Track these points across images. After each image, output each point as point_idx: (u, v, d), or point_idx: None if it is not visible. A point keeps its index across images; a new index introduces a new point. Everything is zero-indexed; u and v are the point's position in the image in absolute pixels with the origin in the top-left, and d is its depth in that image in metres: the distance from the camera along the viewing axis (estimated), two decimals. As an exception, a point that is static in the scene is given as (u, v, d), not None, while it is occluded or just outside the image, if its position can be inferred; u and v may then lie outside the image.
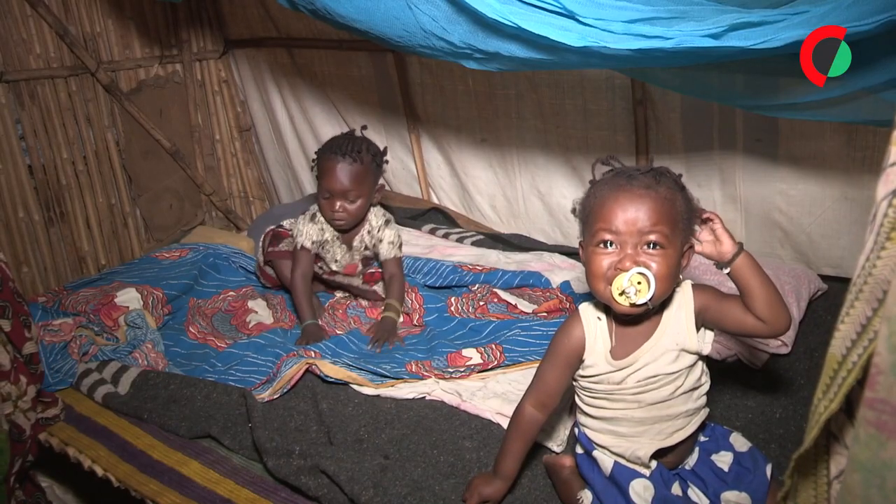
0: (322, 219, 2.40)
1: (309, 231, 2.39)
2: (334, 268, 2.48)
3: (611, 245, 1.31)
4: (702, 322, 1.38)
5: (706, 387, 1.43)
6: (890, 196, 0.67)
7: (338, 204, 2.31)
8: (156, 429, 1.89)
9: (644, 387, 1.37)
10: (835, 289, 2.24)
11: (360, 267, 2.52)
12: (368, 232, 2.45)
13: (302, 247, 2.38)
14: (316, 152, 2.38)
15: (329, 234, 2.42)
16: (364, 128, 2.43)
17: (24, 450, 1.87)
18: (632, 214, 1.29)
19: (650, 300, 1.28)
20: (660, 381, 1.36)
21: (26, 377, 1.89)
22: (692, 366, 1.38)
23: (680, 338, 1.36)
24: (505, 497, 1.52)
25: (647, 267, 1.28)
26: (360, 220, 2.41)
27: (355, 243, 2.45)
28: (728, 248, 1.32)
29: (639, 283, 1.28)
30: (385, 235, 2.42)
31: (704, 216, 1.35)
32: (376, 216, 2.45)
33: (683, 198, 1.34)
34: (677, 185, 1.35)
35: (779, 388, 1.86)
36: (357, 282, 2.53)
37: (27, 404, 1.87)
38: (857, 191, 2.19)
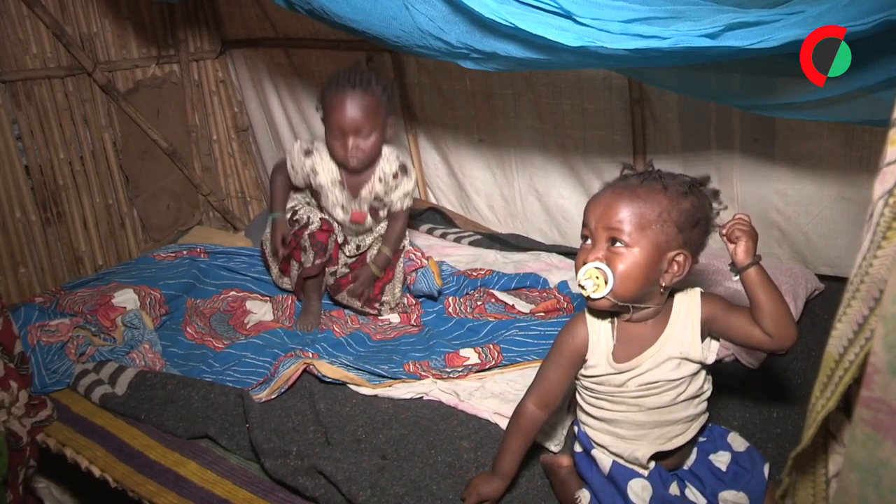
0: (319, 158, 2.23)
1: (295, 158, 2.24)
2: (339, 215, 2.28)
3: (587, 240, 1.36)
4: (709, 331, 1.37)
5: (708, 394, 1.42)
6: (886, 195, 0.67)
7: (351, 142, 2.11)
8: (153, 429, 1.89)
9: (645, 391, 1.36)
10: (832, 288, 2.25)
11: (368, 218, 2.31)
12: (380, 180, 2.26)
13: (288, 166, 2.28)
14: (322, 89, 2.18)
15: (327, 177, 2.24)
16: (370, 59, 2.22)
17: (25, 458, 1.85)
18: (600, 211, 1.33)
19: (609, 296, 1.31)
20: (661, 387, 1.36)
21: (17, 382, 1.87)
22: (695, 374, 1.37)
23: (684, 346, 1.35)
24: (504, 496, 1.52)
25: (610, 263, 1.30)
26: (374, 159, 2.21)
27: (363, 193, 2.25)
28: (741, 257, 1.29)
29: (597, 277, 1.30)
30: (402, 186, 2.25)
31: (726, 229, 1.32)
32: (388, 161, 2.24)
33: (677, 202, 1.32)
34: (667, 187, 1.32)
35: (776, 387, 1.87)
36: (357, 302, 2.39)
37: (20, 410, 1.85)
38: (855, 190, 2.19)
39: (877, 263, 0.69)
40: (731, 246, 1.31)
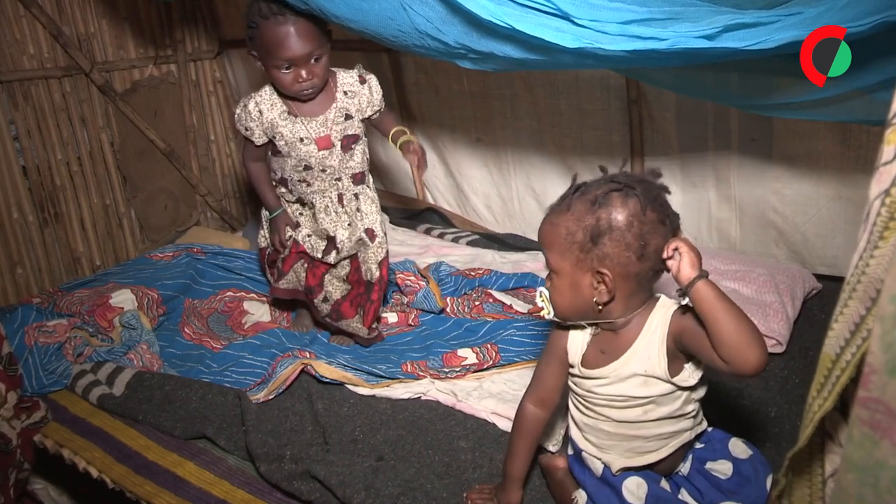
0: (260, 98, 2.05)
1: (242, 117, 2.06)
2: (302, 152, 2.04)
3: None
4: (682, 348, 1.28)
5: (692, 414, 1.37)
6: (883, 195, 0.67)
7: (304, 72, 1.94)
8: (151, 430, 1.89)
9: (610, 402, 1.35)
10: (829, 288, 2.25)
11: (335, 142, 2.06)
12: (346, 93, 2.07)
13: (245, 138, 2.10)
14: (248, 17, 1.98)
15: (273, 112, 2.03)
16: None
17: (14, 461, 1.84)
18: (538, 235, 1.38)
19: (557, 318, 1.37)
20: (627, 402, 1.33)
21: (5, 383, 1.86)
22: (669, 394, 1.31)
23: (649, 364, 1.30)
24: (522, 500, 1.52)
25: (549, 287, 1.36)
26: (326, 81, 2.03)
27: (330, 116, 2.05)
28: (687, 271, 1.19)
29: (545, 301, 1.37)
30: (374, 86, 2.10)
31: (671, 247, 1.23)
32: (346, 73, 2.09)
33: (581, 220, 1.27)
34: (570, 207, 1.29)
35: (773, 387, 1.87)
36: (358, 326, 2.19)
37: (9, 412, 1.83)
38: (852, 190, 2.19)
39: (873, 263, 0.69)
40: (674, 264, 1.21)
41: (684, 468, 1.44)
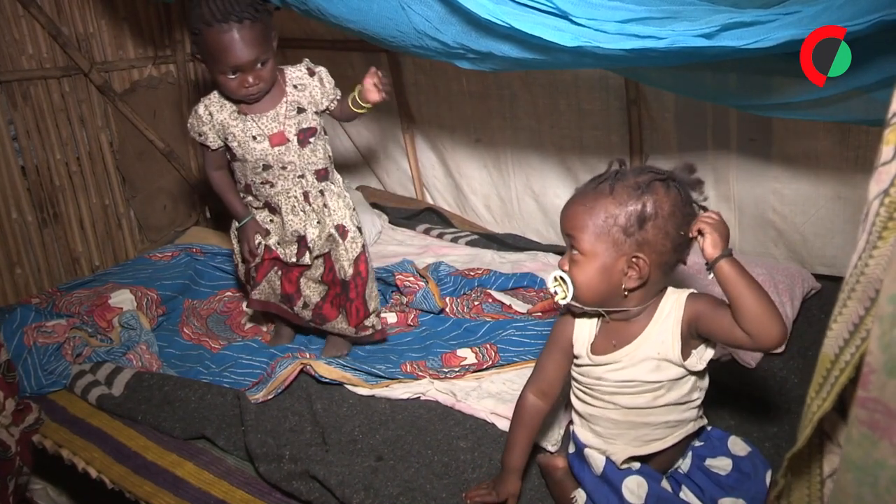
0: (209, 101, 2.02)
1: (195, 124, 2.02)
2: (257, 152, 1.99)
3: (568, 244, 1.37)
4: (696, 332, 1.32)
5: (697, 402, 1.39)
6: (882, 195, 0.67)
7: (250, 78, 1.90)
8: (150, 430, 1.89)
9: (620, 389, 1.36)
10: (828, 287, 2.25)
11: (290, 136, 2.01)
12: (296, 87, 2.04)
13: (201, 144, 2.06)
14: (191, 23, 1.90)
15: (224, 113, 2.00)
16: None
17: (14, 468, 1.82)
18: (563, 217, 1.36)
19: (573, 302, 1.34)
20: (637, 388, 1.34)
21: (3, 390, 1.84)
22: (679, 379, 1.33)
23: (663, 348, 1.32)
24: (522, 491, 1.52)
25: (570, 270, 1.33)
26: (274, 81, 1.99)
27: (281, 109, 2.00)
28: (709, 251, 1.24)
29: (561, 284, 1.34)
30: (324, 76, 2.07)
31: (697, 226, 1.27)
32: (294, 69, 2.06)
33: (624, 205, 1.28)
34: (613, 190, 1.29)
35: (773, 386, 1.87)
36: (343, 326, 2.15)
37: (7, 419, 1.81)
38: (851, 190, 2.19)
39: (872, 263, 0.69)
40: (700, 242, 1.26)
41: (684, 465, 1.46)
